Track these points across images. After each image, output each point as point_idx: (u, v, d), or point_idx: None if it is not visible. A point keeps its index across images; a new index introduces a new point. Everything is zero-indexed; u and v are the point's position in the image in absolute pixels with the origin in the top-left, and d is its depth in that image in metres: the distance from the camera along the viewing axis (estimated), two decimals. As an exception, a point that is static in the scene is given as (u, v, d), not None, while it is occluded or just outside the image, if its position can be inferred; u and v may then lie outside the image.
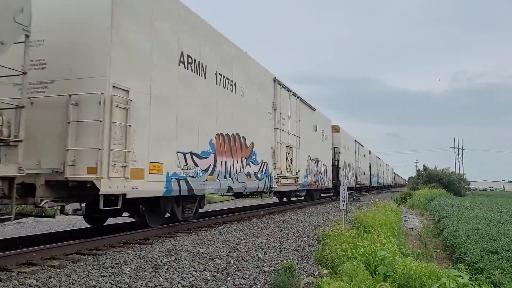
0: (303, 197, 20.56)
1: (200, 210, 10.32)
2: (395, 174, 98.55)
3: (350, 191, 28.71)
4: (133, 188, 6.86)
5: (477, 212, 17.15)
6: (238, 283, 5.70)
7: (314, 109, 19.71)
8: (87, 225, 9.08)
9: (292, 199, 19.77)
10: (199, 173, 9.07)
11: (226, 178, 10.36)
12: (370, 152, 43.91)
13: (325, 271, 6.02)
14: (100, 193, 6.19)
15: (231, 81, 10.87)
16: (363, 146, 37.81)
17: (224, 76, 10.43)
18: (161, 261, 6.06)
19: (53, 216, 6.73)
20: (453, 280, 4.89)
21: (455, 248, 8.86)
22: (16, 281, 4.52)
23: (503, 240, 9.15)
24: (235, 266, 6.46)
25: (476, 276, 6.47)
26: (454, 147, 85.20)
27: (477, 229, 10.69)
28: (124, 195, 6.71)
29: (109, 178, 6.32)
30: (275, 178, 13.95)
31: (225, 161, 10.37)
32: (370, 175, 42.53)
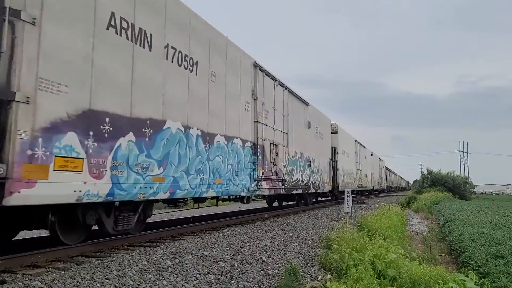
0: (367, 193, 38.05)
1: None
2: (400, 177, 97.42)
3: (354, 195, 29.91)
4: None
5: (483, 216, 17.06)
6: (242, 286, 5.69)
7: (364, 147, 35.40)
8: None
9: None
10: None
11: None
12: (385, 164, 57.82)
13: (329, 276, 6.00)
14: None
15: (362, 157, 28.79)
16: (382, 161, 52.25)
17: (359, 154, 29.83)
18: (165, 263, 6.06)
19: None
20: (460, 285, 4.85)
21: (460, 252, 8.81)
22: (21, 283, 4.53)
23: (509, 244, 9.09)
24: (239, 269, 6.44)
25: (481, 280, 6.42)
26: (459, 150, 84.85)
27: (483, 233, 10.63)
28: None
29: None
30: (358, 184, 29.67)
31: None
32: (386, 180, 58.07)
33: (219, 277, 5.93)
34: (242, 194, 10.71)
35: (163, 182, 7.32)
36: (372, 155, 41.45)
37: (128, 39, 6.61)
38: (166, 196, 7.43)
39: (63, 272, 5.10)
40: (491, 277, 6.64)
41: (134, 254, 6.36)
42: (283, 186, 13.80)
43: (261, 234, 9.67)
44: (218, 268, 6.31)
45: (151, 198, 7.03)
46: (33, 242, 7.48)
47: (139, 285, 5.08)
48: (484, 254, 8.00)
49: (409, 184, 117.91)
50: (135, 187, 6.58)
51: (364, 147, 34.77)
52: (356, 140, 31.69)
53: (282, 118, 14.10)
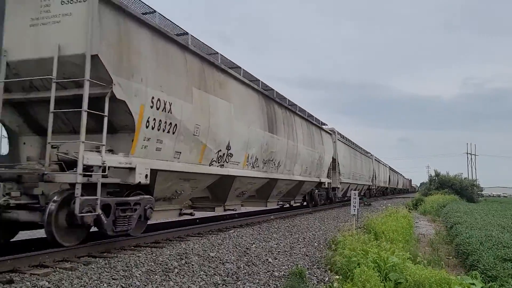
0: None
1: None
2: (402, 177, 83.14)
3: (361, 197, 29.53)
4: None
5: (490, 219, 16.92)
6: (248, 287, 5.69)
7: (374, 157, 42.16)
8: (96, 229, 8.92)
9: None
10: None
11: None
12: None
13: (337, 277, 5.98)
14: None
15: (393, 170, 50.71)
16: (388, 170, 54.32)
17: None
18: (171, 264, 6.08)
19: None
20: (466, 288, 4.82)
21: (468, 255, 8.74)
22: (28, 283, 4.57)
23: (517, 247, 9.00)
24: (245, 271, 6.44)
25: (489, 284, 6.37)
26: (467, 153, 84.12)
27: (491, 236, 10.54)
28: None
29: None
30: None
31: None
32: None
33: (225, 278, 5.94)
34: None
35: None
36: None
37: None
38: None
39: (70, 272, 5.13)
40: (499, 280, 6.58)
41: (140, 255, 6.38)
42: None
43: (267, 235, 9.67)
44: (224, 269, 6.32)
45: None
46: (42, 242, 7.54)
47: (145, 285, 5.11)
48: (492, 257, 7.94)
49: (413, 184, 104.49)
50: None
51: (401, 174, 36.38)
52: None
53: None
